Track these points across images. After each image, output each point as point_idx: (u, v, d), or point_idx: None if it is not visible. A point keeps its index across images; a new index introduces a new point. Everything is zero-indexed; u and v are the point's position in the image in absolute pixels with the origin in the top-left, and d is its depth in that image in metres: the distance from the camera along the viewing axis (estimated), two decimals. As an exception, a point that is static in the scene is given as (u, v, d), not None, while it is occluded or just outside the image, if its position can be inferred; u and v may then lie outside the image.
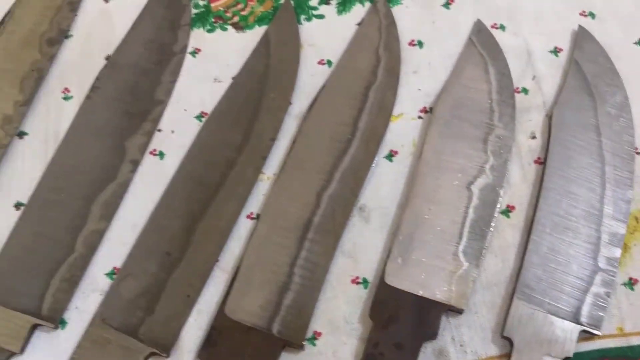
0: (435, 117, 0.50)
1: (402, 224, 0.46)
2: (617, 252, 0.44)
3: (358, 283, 0.45)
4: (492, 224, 0.46)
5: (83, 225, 0.48)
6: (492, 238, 0.46)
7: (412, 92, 0.52)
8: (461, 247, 0.45)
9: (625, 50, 0.52)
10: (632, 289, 0.43)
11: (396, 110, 0.51)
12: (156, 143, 0.52)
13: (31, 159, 0.51)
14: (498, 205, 0.47)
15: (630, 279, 0.44)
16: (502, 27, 0.54)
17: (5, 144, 0.51)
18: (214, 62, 0.55)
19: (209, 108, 0.53)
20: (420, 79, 0.53)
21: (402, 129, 0.51)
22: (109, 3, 0.58)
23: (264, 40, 0.55)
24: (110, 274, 0.47)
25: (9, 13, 0.57)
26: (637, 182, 0.47)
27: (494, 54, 0.52)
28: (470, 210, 0.46)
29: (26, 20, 0.56)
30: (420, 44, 0.54)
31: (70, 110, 0.53)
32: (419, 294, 0.43)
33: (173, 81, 0.55)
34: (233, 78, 0.54)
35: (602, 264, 0.43)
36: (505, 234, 0.46)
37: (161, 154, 0.51)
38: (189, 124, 0.53)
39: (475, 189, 0.47)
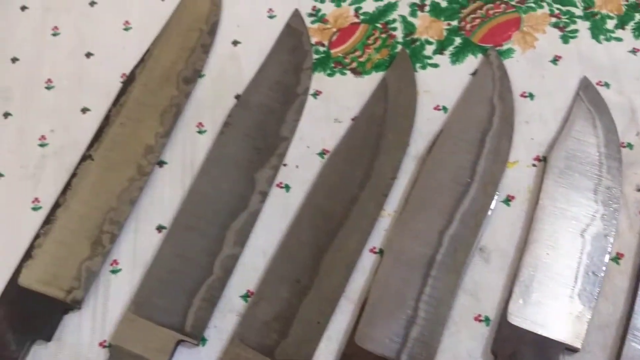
0: (550, 166, 0.53)
1: (523, 266, 0.49)
2: None
3: (480, 321, 0.48)
4: (604, 270, 0.49)
5: (219, 250, 0.52)
6: (604, 283, 0.49)
7: (525, 140, 0.56)
8: (576, 290, 0.48)
9: None
10: None
11: (511, 157, 0.55)
12: (282, 176, 0.56)
13: (170, 186, 0.56)
14: (608, 253, 0.50)
15: None
16: (607, 85, 0.57)
17: (148, 171, 0.56)
18: (334, 104, 0.60)
19: (329, 146, 0.57)
20: (533, 129, 0.56)
21: (518, 176, 0.54)
22: (237, 47, 0.63)
23: (382, 85, 0.59)
24: (244, 297, 0.51)
25: (148, 52, 0.62)
26: None
27: (601, 110, 0.55)
28: (584, 256, 0.49)
29: (164, 59, 0.62)
30: (531, 96, 0.58)
31: (204, 143, 0.58)
32: (539, 333, 0.46)
33: (297, 120, 0.59)
34: (353, 119, 0.58)
35: None
36: (615, 280, 0.49)
37: (287, 187, 0.56)
38: (312, 160, 0.57)
39: (587, 236, 0.50)
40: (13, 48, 0.65)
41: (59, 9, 0.67)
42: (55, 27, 0.66)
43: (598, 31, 0.60)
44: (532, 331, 0.46)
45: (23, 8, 0.67)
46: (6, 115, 0.61)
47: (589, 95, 0.57)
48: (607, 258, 0.49)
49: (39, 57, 0.64)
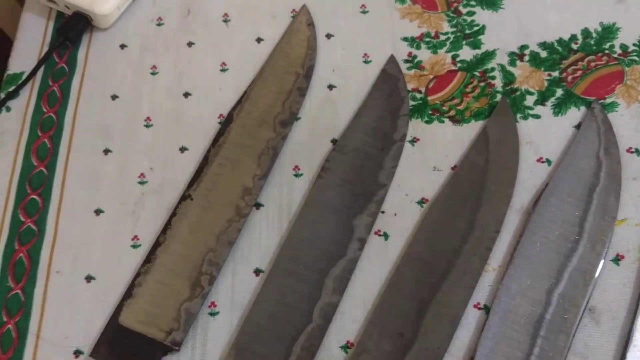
0: (664, 226, 0.51)
1: (636, 330, 0.47)
2: None
3: (595, 386, 0.46)
4: None
5: (318, 297, 0.51)
6: None
7: (634, 198, 0.54)
8: (702, 361, 0.45)
9: None
10: None
11: (620, 215, 0.53)
12: (380, 224, 0.55)
13: (267, 229, 0.56)
14: None
15: None
16: None
17: (246, 213, 0.56)
18: (432, 151, 0.59)
19: (428, 194, 0.56)
20: (641, 186, 0.54)
21: (627, 234, 0.52)
22: (332, 91, 0.63)
23: (483, 134, 0.59)
24: (344, 347, 0.50)
25: (245, 94, 0.63)
26: None
27: None
28: None
29: (261, 101, 0.62)
30: (637, 151, 0.56)
31: (300, 186, 0.58)
32: (660, 405, 0.44)
33: (394, 166, 0.58)
34: (452, 168, 0.57)
35: None
36: None
37: (385, 235, 0.55)
38: (411, 208, 0.56)
39: None
40: (113, 86, 0.66)
41: (157, 49, 0.69)
42: (154, 67, 0.67)
43: None
44: (652, 402, 0.44)
45: (122, 46, 0.69)
46: (106, 152, 0.62)
47: (700, 152, 0.55)
48: None
49: (138, 95, 0.65)
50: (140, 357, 0.50)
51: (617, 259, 0.51)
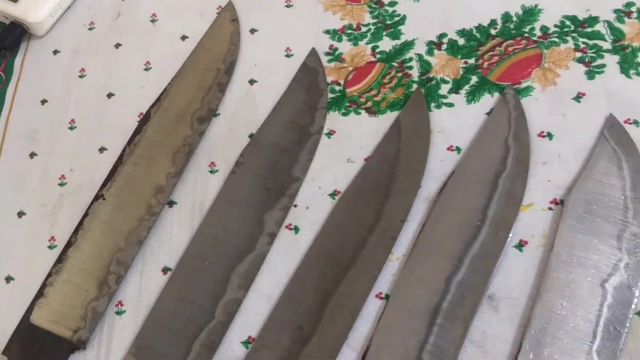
0: (567, 210, 0.50)
1: (534, 317, 0.46)
2: None
3: (487, 374, 0.46)
4: (627, 325, 0.45)
5: (223, 294, 0.52)
6: (627, 339, 0.45)
7: (541, 182, 0.53)
8: (595, 347, 0.45)
9: None
10: None
11: (526, 200, 0.52)
12: (292, 218, 0.55)
13: (178, 227, 0.56)
14: (633, 306, 0.46)
15: None
16: (636, 123, 0.54)
17: (157, 211, 0.56)
18: (347, 144, 0.59)
19: (341, 187, 0.56)
20: (550, 171, 0.54)
21: (532, 220, 0.52)
22: (253, 86, 0.63)
23: (396, 125, 0.58)
24: (245, 343, 0.50)
25: (165, 91, 0.63)
26: None
27: (628, 150, 0.52)
28: (605, 309, 0.46)
29: (179, 98, 0.63)
30: (549, 135, 0.55)
31: (215, 183, 0.58)
32: (550, 392, 0.43)
33: (309, 160, 0.58)
34: (365, 160, 0.57)
35: None
36: (641, 336, 0.45)
37: (296, 229, 0.55)
38: (323, 201, 0.56)
39: (609, 287, 0.47)
40: (44, 91, 0.67)
41: (87, 52, 0.69)
42: (82, 69, 0.68)
43: (628, 65, 0.57)
44: (543, 389, 0.43)
45: (55, 52, 0.70)
46: (32, 155, 0.63)
47: (614, 134, 0.54)
48: (631, 312, 0.46)
49: (66, 99, 0.66)
50: (50, 355, 0.51)
51: (521, 245, 0.51)
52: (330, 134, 0.60)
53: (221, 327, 0.50)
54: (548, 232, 0.51)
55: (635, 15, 0.60)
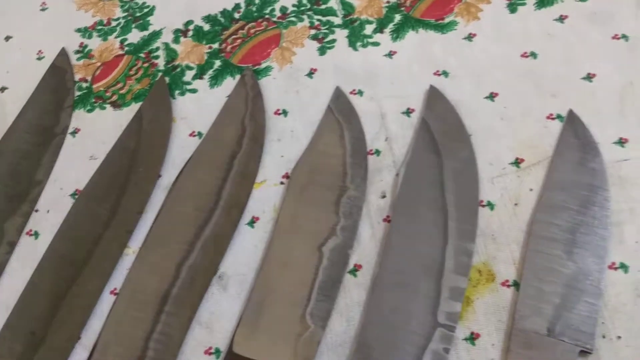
0: (292, 183, 0.52)
1: (254, 290, 0.47)
2: (457, 307, 0.45)
3: (211, 354, 0.46)
4: (339, 285, 0.47)
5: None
6: (340, 298, 0.47)
7: (275, 159, 0.54)
8: (309, 309, 0.46)
9: (476, 104, 0.54)
10: (473, 343, 0.44)
11: (260, 177, 0.53)
12: (32, 223, 0.54)
13: None
14: (346, 265, 0.48)
15: (472, 333, 0.44)
16: (360, 93, 0.56)
17: None
18: (91, 140, 0.58)
19: (83, 186, 0.55)
20: (284, 146, 0.55)
21: (265, 195, 0.53)
22: (4, 93, 0.61)
23: (137, 117, 0.58)
24: (-15, 358, 0.48)
25: None
26: (481, 235, 0.48)
27: (350, 119, 0.54)
28: (320, 272, 0.47)
29: None
30: (285, 112, 0.57)
31: (-47, 196, 0.55)
32: (265, 361, 0.44)
33: (53, 161, 0.57)
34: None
35: (441, 319, 0.44)
36: (352, 293, 0.47)
37: (36, 234, 0.53)
38: (64, 202, 0.55)
39: (325, 250, 0.48)
40: None
41: None
42: None
43: (355, 38, 0.60)
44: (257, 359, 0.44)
45: None
46: None
47: (339, 105, 0.56)
48: (344, 271, 0.48)
49: None
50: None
51: (253, 222, 0.52)
52: (75, 132, 0.58)
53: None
54: (278, 206, 0.52)
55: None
